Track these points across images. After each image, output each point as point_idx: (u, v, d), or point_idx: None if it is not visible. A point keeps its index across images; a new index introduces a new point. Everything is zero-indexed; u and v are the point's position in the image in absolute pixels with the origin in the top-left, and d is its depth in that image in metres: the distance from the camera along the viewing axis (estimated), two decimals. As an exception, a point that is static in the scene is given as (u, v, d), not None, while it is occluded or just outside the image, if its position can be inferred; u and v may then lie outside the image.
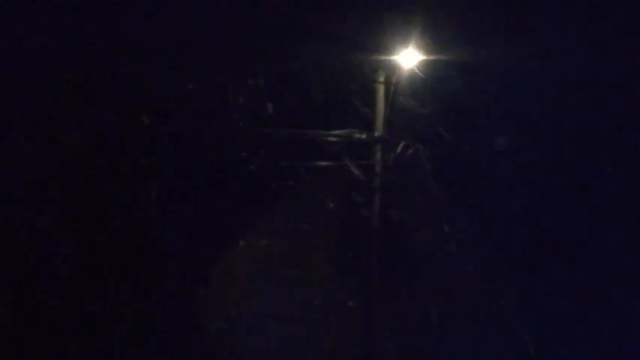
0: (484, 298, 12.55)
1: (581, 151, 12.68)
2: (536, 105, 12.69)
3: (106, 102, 12.04)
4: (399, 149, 12.25)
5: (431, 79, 12.34)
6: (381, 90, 12.24)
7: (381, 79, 12.24)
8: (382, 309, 12.04)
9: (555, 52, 12.40)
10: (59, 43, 11.89)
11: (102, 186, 12.19)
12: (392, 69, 12.14)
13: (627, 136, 12.68)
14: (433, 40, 12.03)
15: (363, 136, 12.18)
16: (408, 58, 12.03)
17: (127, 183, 12.29)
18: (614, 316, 12.29)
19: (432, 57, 12.07)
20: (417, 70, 12.14)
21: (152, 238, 12.27)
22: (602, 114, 12.52)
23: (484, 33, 12.36)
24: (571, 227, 12.47)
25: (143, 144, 12.38)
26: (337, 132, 12.20)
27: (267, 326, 12.42)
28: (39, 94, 11.88)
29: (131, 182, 12.30)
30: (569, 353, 12.13)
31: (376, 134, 12.21)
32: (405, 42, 11.94)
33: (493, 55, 12.26)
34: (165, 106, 12.37)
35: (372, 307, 11.99)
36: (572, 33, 12.45)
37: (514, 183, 12.63)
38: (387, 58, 12.11)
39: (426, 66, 12.13)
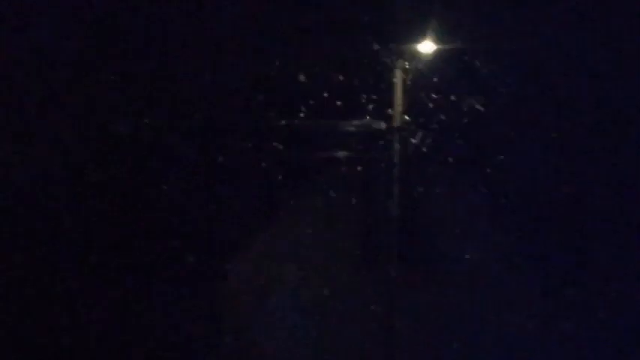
0: (506, 292, 12.44)
1: (600, 137, 12.59)
2: (554, 94, 12.59)
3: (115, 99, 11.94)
4: (417, 139, 12.12)
5: (449, 67, 12.22)
6: (399, 79, 12.09)
7: (400, 67, 12.08)
8: (402, 301, 11.93)
9: (573, 41, 12.31)
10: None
11: (111, 182, 12.06)
12: (410, 57, 12.00)
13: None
14: (451, 29, 11.91)
15: (382, 125, 12.04)
16: (427, 46, 11.89)
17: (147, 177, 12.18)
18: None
19: (450, 45, 11.95)
20: (435, 59, 12.01)
21: (169, 230, 12.17)
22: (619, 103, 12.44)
23: (501, 22, 12.26)
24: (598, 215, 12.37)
25: (154, 137, 12.24)
26: (355, 122, 12.07)
27: (286, 320, 12.32)
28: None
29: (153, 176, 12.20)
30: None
31: (394, 124, 12.05)
32: (423, 30, 11.81)
33: (511, 44, 12.16)
34: (179, 96, 12.24)
35: (392, 299, 11.88)
36: (589, 21, 12.35)
37: (535, 171, 12.54)
38: (406, 46, 11.97)
39: (444, 55, 12.00)
